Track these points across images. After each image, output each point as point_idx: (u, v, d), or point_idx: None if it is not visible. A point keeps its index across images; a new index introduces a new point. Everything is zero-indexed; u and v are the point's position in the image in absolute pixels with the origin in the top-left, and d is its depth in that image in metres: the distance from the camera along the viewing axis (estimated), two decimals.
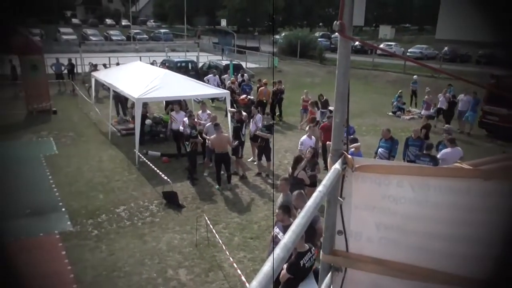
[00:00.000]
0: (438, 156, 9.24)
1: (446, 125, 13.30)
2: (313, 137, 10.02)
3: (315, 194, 1.69)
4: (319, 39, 42.82)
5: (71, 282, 6.55)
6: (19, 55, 16.38)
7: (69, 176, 10.65)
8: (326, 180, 1.82)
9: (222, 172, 10.30)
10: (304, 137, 10.04)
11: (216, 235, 7.40)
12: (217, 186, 10.30)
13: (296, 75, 29.37)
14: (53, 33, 47.31)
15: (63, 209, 8.88)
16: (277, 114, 16.68)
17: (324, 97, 15.47)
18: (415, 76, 20.91)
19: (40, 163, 11.46)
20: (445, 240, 1.95)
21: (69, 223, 8.33)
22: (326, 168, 8.68)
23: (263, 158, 11.13)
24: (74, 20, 75.12)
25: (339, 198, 2.12)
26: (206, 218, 7.83)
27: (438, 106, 16.57)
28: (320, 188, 1.74)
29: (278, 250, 1.30)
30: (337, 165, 2.02)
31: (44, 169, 11.01)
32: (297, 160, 8.25)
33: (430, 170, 1.99)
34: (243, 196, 10.01)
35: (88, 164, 11.56)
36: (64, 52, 32.32)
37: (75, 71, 22.39)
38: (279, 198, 6.93)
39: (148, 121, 13.44)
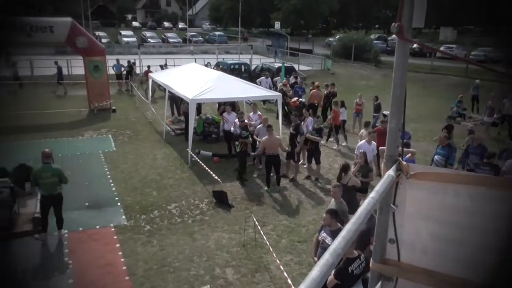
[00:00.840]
0: (503, 168, 8.69)
1: None
2: (373, 142, 9.73)
3: (367, 201, 1.64)
4: (374, 42, 41.79)
5: (124, 274, 6.84)
6: (84, 56, 17.36)
7: (125, 172, 11.14)
8: (379, 186, 1.76)
9: (271, 174, 10.32)
10: (363, 142, 9.80)
11: (264, 236, 7.43)
12: (266, 188, 10.33)
13: (349, 78, 28.84)
14: (115, 36, 49.71)
15: (119, 204, 9.30)
16: (328, 117, 16.45)
17: (378, 100, 15.07)
18: (477, 81, 19.80)
19: (99, 159, 12.08)
20: (502, 255, 1.83)
21: (124, 217, 8.71)
22: (380, 175, 8.43)
23: (313, 161, 11.02)
24: (135, 23, 78.58)
25: (392, 205, 2.05)
26: (254, 219, 7.88)
27: (503, 112, 15.58)
28: (372, 194, 1.69)
29: (327, 255, 1.28)
30: (391, 172, 1.95)
31: (103, 165, 11.59)
32: (344, 169, 8.02)
33: (490, 180, 1.87)
34: (292, 199, 9.96)
35: (143, 161, 12.03)
36: (124, 53, 33.93)
37: (133, 72, 23.35)
38: (331, 204, 6.79)
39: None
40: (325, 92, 16.67)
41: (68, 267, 6.96)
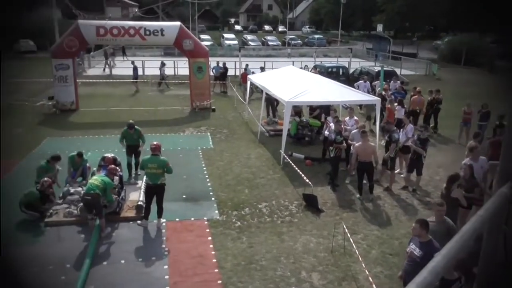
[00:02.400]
0: None
1: None
2: (481, 157, 8.71)
3: (474, 218, 1.49)
4: (491, 44, 38.09)
5: (214, 266, 7.13)
6: (189, 58, 18.50)
7: (220, 169, 11.62)
8: (489, 204, 1.59)
9: (364, 181, 9.97)
10: (467, 159, 8.79)
11: (353, 244, 7.20)
12: (358, 195, 10.01)
13: (457, 84, 26.68)
14: (218, 39, 52.16)
15: (213, 199, 9.73)
16: (431, 125, 15.39)
17: (488, 108, 13.72)
18: None
19: (198, 155, 12.77)
20: None
21: (216, 212, 9.09)
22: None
23: (413, 172, 10.36)
24: (237, 27, 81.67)
25: (503, 226, 1.84)
26: (344, 226, 7.68)
27: None
28: (481, 212, 1.53)
29: (425, 273, 1.18)
30: (504, 189, 1.75)
31: (200, 161, 12.22)
32: (452, 179, 7.42)
33: None
34: (385, 209, 9.52)
35: (237, 159, 12.43)
36: (226, 56, 35.43)
37: (228, 74, 24.22)
38: (429, 219, 6.23)
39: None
40: (429, 98, 15.62)
41: (164, 254, 7.47)
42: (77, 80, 19.01)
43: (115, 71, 28.44)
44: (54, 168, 9.49)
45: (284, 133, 12.02)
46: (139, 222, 8.45)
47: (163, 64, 24.07)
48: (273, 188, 10.45)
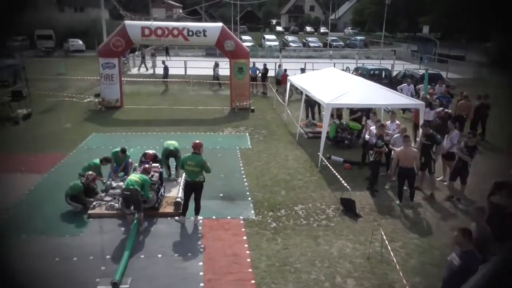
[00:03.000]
0: None
1: None
2: None
3: None
4: None
5: (248, 265, 7.15)
6: (230, 59, 18.68)
7: (257, 169, 11.66)
8: None
9: (404, 188, 9.68)
10: None
11: (391, 252, 7.01)
12: (397, 202, 9.73)
13: (510, 89, 25.36)
14: (259, 40, 52.37)
15: (249, 199, 9.77)
16: (478, 132, 14.73)
17: None
18: None
19: (236, 154, 12.87)
20: None
21: (252, 211, 9.12)
22: None
23: (457, 180, 9.95)
24: (278, 28, 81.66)
25: None
26: (382, 233, 7.48)
27: None
28: None
29: None
30: None
31: (238, 161, 12.31)
32: (498, 186, 7.06)
33: None
34: (427, 217, 9.19)
35: (275, 160, 12.42)
36: (267, 57, 35.53)
37: (267, 75, 24.23)
38: (471, 228, 6.05)
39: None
40: (476, 103, 14.95)
41: (200, 250, 7.58)
42: (122, 79, 19.65)
43: (158, 71, 29.18)
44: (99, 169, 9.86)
45: (323, 136, 11.89)
46: (176, 218, 8.62)
47: (216, 65, 24.42)
48: (310, 190, 10.36)
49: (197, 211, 8.52)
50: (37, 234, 7.92)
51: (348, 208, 9.23)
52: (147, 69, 30.87)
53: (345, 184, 9.37)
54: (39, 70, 26.53)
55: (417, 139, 12.35)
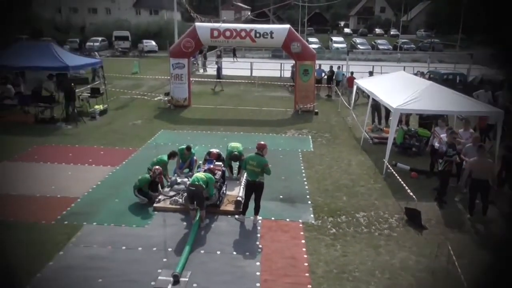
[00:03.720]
0: None
1: None
2: None
3: None
4: None
5: (305, 270, 7.08)
6: (296, 60, 18.64)
7: (319, 173, 11.51)
8: None
9: (476, 201, 9.05)
10: None
11: (459, 269, 6.58)
12: (468, 216, 9.12)
13: None
14: (326, 42, 51.75)
15: (309, 202, 9.67)
16: None
17: None
18: None
19: (297, 157, 12.80)
20: None
21: (312, 216, 9.01)
22: None
23: None
24: (346, 30, 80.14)
25: None
26: (450, 248, 7.04)
27: None
28: None
29: None
30: None
31: (300, 163, 12.23)
32: None
33: None
34: (500, 235, 8.52)
35: (337, 165, 12.19)
36: (333, 59, 35.02)
37: (333, 77, 23.84)
38: None
39: None
40: None
41: (258, 250, 7.63)
42: (191, 79, 20.35)
43: (224, 72, 29.88)
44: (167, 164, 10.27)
45: (390, 142, 11.46)
46: (236, 216, 8.76)
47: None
48: (373, 198, 10.04)
49: (256, 211, 8.59)
50: (107, 223, 8.43)
51: (413, 219, 8.81)
52: (198, 69, 31.65)
53: (411, 194, 8.96)
54: (116, 69, 28.27)
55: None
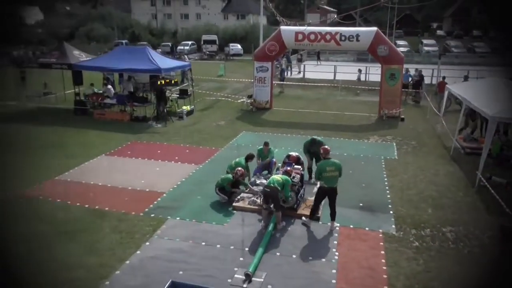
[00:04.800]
0: None
1: None
2: None
3: None
4: None
5: (383, 282, 6.77)
6: (382, 64, 17.95)
7: (403, 182, 10.96)
8: None
9: None
10: None
11: None
12: None
13: None
14: (415, 45, 49.20)
15: (391, 212, 9.24)
16: None
17: None
18: None
19: (380, 164, 12.32)
20: None
21: (393, 226, 8.61)
22: None
23: None
24: (439, 32, 75.43)
25: None
26: None
27: None
28: None
29: None
30: None
31: (382, 171, 11.75)
32: None
33: None
34: None
35: (423, 174, 11.51)
36: (423, 63, 33.20)
37: (423, 82, 22.56)
38: None
39: None
40: None
41: (334, 257, 7.47)
42: (273, 82, 20.59)
43: (307, 75, 29.78)
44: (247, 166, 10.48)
45: (484, 152, 10.55)
46: (304, 219, 8.67)
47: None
48: (462, 212, 9.30)
49: (333, 216, 8.46)
50: (189, 218, 8.84)
51: (510, 238, 8.00)
52: (298, 72, 31.82)
53: (508, 210, 8.16)
54: (203, 71, 29.58)
55: None
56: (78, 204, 9.36)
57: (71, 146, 13.64)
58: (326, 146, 8.77)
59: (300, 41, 18.29)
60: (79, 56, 19.08)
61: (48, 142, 14.01)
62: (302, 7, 77.01)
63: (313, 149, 10.39)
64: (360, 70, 23.88)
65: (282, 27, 19.39)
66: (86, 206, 9.28)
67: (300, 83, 26.35)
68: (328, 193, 8.35)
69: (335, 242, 8.01)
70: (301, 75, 30.41)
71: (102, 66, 17.85)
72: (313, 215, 8.59)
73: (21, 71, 20.50)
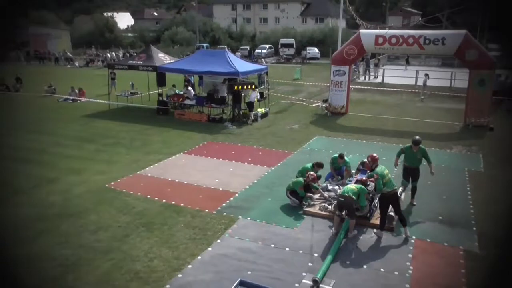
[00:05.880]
0: None
1: None
2: None
3: None
4: None
5: None
6: (470, 69, 16.75)
7: (489, 197, 10.11)
8: None
9: None
10: None
11: None
12: None
13: None
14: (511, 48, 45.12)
15: (474, 228, 8.57)
16: None
17: None
18: None
19: (463, 176, 11.50)
20: None
21: (476, 244, 7.97)
22: None
23: None
24: None
25: None
26: None
27: None
28: None
29: None
30: None
31: (465, 184, 10.96)
32: None
33: None
34: None
35: None
36: None
37: None
38: None
39: None
40: None
41: (408, 272, 7.10)
42: (350, 86, 20.15)
43: (386, 80, 28.71)
44: (317, 172, 10.30)
45: None
46: (375, 230, 8.35)
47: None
48: None
49: (403, 222, 8.21)
50: (259, 219, 8.95)
51: None
52: (375, 76, 30.86)
53: None
54: (279, 74, 29.83)
55: None
56: (156, 198, 9.92)
57: (153, 143, 14.51)
58: (374, 154, 8.67)
59: (381, 45, 17.71)
60: (163, 58, 20.25)
61: (133, 139, 15.04)
62: (384, 9, 74.45)
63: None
64: (426, 75, 22.53)
65: (362, 31, 18.92)
66: (164, 201, 9.80)
67: (378, 88, 25.48)
68: (389, 198, 8.09)
69: (410, 255, 7.61)
70: (378, 80, 29.42)
71: (183, 68, 18.75)
72: (384, 225, 8.27)
73: (111, 72, 22.24)
